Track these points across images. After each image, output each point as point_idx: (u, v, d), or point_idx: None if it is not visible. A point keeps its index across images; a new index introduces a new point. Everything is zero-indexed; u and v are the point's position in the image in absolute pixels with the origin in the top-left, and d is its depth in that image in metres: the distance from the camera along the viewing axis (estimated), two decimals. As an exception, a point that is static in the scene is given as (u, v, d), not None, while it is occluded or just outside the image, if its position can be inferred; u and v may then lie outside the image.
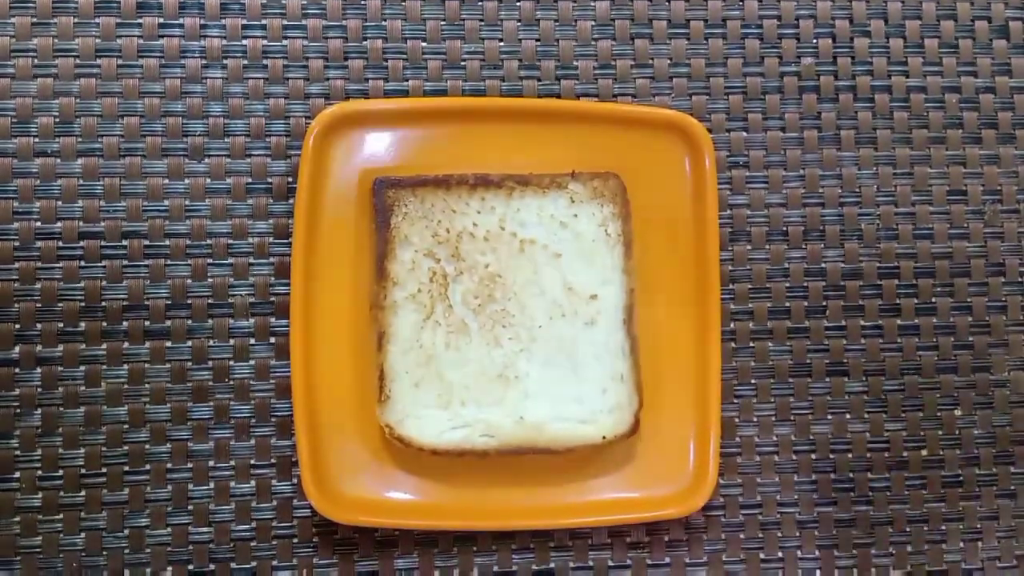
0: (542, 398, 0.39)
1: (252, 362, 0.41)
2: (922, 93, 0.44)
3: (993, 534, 0.43)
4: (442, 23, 0.42)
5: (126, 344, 0.40)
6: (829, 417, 0.43)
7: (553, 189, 0.40)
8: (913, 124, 0.44)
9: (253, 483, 0.41)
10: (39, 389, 0.40)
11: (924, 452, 0.43)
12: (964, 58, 0.44)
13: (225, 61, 0.42)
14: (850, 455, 0.43)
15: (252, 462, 0.41)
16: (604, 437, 0.39)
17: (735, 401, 0.42)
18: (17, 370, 0.40)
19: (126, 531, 0.40)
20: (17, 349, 0.40)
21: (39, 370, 0.40)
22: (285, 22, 0.42)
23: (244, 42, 0.42)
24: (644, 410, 0.39)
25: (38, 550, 0.40)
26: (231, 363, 0.41)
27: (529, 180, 0.40)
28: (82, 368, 0.40)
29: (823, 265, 0.43)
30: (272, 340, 0.41)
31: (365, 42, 0.42)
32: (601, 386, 0.39)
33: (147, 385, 0.40)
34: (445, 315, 0.39)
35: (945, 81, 0.44)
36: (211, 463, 0.40)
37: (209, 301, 0.41)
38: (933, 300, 0.43)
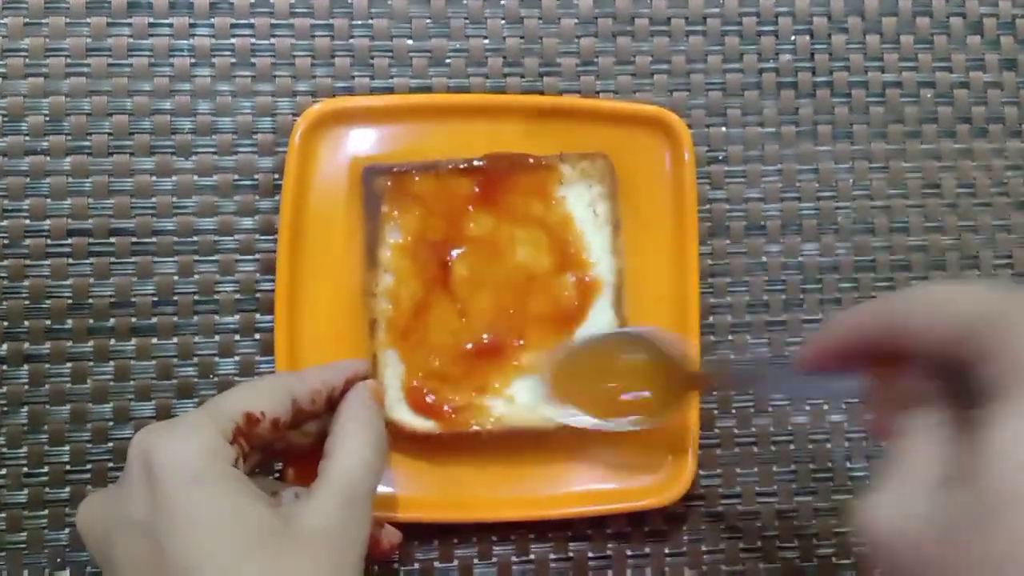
0: (533, 379, 0.39)
1: (237, 358, 0.41)
2: (898, 88, 0.44)
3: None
4: (427, 21, 0.43)
5: (112, 341, 0.41)
6: (808, 408, 0.43)
7: (542, 171, 0.40)
8: (889, 119, 0.44)
9: (238, 477, 0.41)
10: (26, 386, 0.40)
11: (903, 442, 0.43)
12: (939, 54, 0.45)
13: (213, 59, 0.42)
14: (829, 445, 0.43)
15: (237, 456, 0.41)
16: None
17: (713, 393, 0.42)
18: (4, 367, 0.40)
19: (111, 526, 0.40)
20: (4, 346, 0.40)
21: (26, 367, 0.40)
22: (273, 21, 0.42)
23: (232, 40, 0.42)
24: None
25: (23, 545, 0.40)
26: (216, 359, 0.41)
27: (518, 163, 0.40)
28: (68, 365, 0.40)
29: (800, 259, 0.44)
30: (257, 336, 0.41)
31: (351, 40, 0.43)
32: None
33: (132, 382, 0.40)
34: (437, 300, 0.39)
35: (920, 76, 0.45)
36: (197, 457, 0.40)
37: (195, 298, 0.41)
38: (910, 293, 0.44)
